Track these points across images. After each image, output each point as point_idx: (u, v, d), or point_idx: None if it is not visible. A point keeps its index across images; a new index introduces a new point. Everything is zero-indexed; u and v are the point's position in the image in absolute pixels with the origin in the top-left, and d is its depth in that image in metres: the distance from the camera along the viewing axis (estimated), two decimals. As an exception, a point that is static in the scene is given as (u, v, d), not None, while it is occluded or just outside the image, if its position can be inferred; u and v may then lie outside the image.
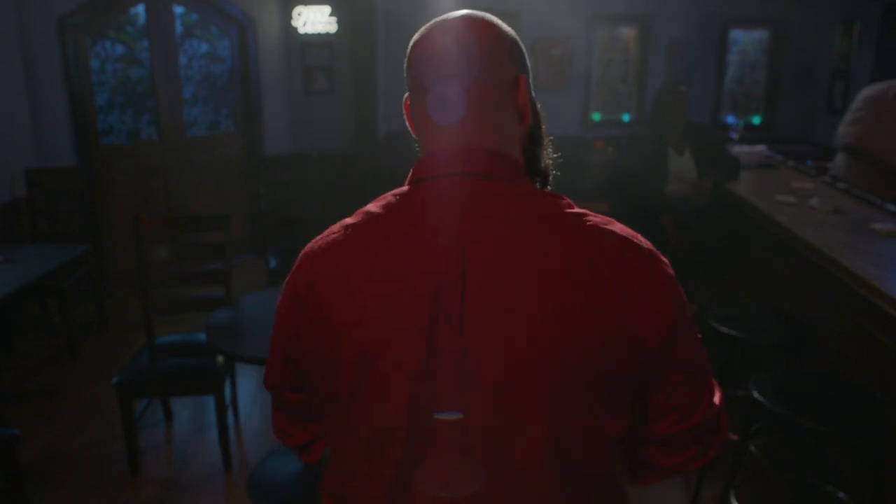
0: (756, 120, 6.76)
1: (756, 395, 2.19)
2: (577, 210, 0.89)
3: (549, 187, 1.02)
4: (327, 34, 6.10)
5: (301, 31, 6.04)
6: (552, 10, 6.36)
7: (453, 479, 0.85)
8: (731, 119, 6.64)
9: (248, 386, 3.75)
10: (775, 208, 3.35)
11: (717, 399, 0.94)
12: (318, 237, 0.95)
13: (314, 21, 6.00)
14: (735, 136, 5.39)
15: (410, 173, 0.94)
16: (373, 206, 0.92)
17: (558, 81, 6.67)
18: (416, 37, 0.95)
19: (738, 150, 4.61)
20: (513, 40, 0.95)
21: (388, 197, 0.92)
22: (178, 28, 5.38)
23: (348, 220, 0.93)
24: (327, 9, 6.04)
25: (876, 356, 2.37)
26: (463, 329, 0.82)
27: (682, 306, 0.88)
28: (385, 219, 0.90)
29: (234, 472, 3.04)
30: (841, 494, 2.48)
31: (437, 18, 0.94)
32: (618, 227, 0.88)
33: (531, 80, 0.97)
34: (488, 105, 0.91)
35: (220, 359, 3.01)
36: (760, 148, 4.78)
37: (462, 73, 0.90)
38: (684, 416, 0.90)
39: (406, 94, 0.98)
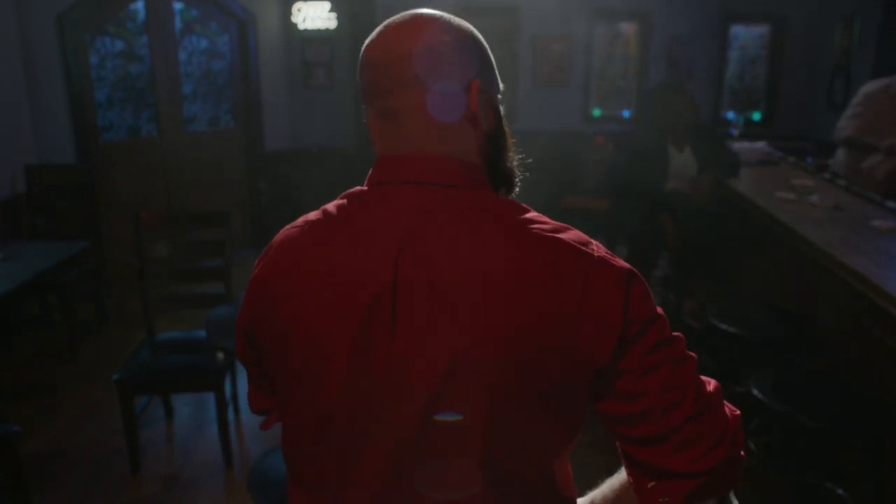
0: (756, 116, 6.76)
1: (756, 392, 2.19)
2: (528, 216, 0.86)
3: (515, 189, 1.01)
4: (327, 30, 6.09)
5: (301, 27, 6.03)
6: (552, 6, 6.35)
7: (389, 485, 0.85)
8: (731, 115, 6.64)
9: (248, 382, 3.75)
10: (775, 205, 3.34)
11: (710, 388, 0.88)
12: (285, 227, 0.96)
13: (314, 17, 5.99)
14: (735, 132, 5.38)
15: (370, 173, 0.94)
16: (332, 206, 0.93)
17: (559, 77, 6.66)
18: (366, 41, 0.93)
19: (739, 146, 4.60)
20: (466, 42, 0.91)
21: (347, 197, 0.93)
22: (178, 24, 5.37)
23: (311, 216, 0.94)
24: (327, 5, 6.03)
25: (876, 354, 2.37)
26: (395, 337, 0.82)
27: (638, 319, 0.82)
28: (337, 220, 0.90)
29: (235, 468, 3.05)
30: (840, 491, 2.49)
31: (388, 21, 0.92)
32: (569, 235, 0.85)
33: (496, 78, 0.96)
34: (431, 117, 0.89)
35: (221, 355, 3.01)
36: (761, 144, 4.77)
37: (407, 82, 0.88)
38: (666, 414, 0.85)
39: None
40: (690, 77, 6.52)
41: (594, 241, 0.87)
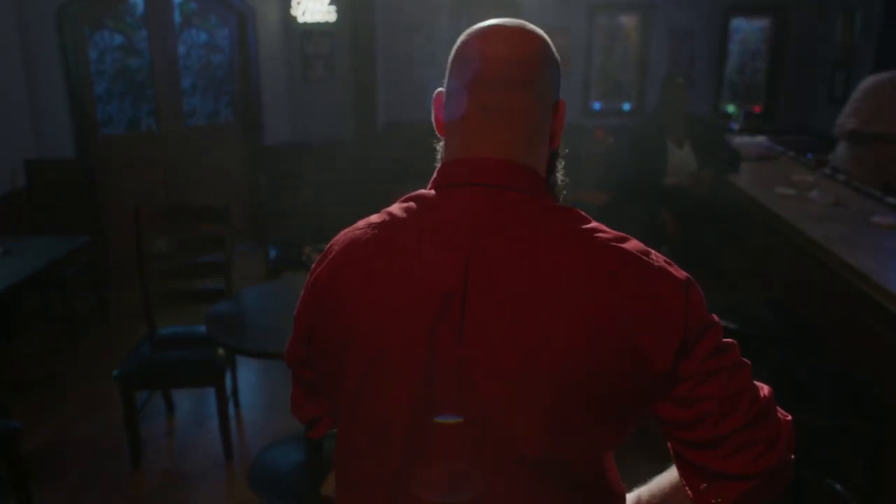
0: (757, 109, 6.74)
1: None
2: (591, 225, 0.88)
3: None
4: (326, 23, 6.07)
5: (300, 20, 6.00)
6: (553, -2, 6.33)
7: (449, 485, 0.86)
8: (731, 108, 6.63)
9: (248, 377, 3.77)
10: (775, 201, 3.35)
11: (764, 393, 0.90)
12: (345, 230, 0.97)
13: (313, 10, 5.96)
14: (735, 126, 5.37)
15: (436, 175, 0.94)
16: (396, 208, 0.93)
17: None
18: (466, 36, 0.94)
19: (739, 140, 4.60)
20: (558, 62, 0.96)
21: (412, 199, 0.93)
22: (177, 17, 5.35)
23: (374, 219, 0.95)
24: (326, -2, 6.01)
25: (875, 350, 2.37)
26: (462, 339, 0.83)
27: (697, 326, 0.84)
28: (404, 222, 0.91)
29: (235, 463, 3.06)
30: (838, 487, 2.50)
31: (495, 22, 0.93)
32: (630, 245, 0.87)
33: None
34: (534, 120, 0.92)
35: (221, 350, 3.02)
36: (761, 139, 4.76)
37: (518, 83, 0.90)
38: (722, 419, 0.85)
39: (439, 90, 0.99)
40: (690, 70, 6.51)
41: (653, 251, 0.89)
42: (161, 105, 5.31)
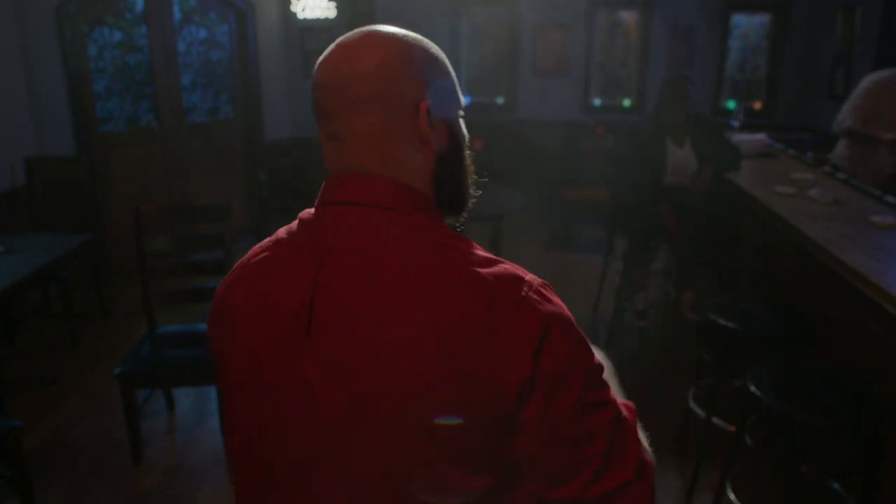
0: (757, 106, 6.74)
1: (752, 388, 2.20)
2: (461, 247, 0.85)
3: (463, 215, 0.98)
4: (326, 19, 6.06)
5: (300, 16, 6.00)
6: (553, -6, 6.32)
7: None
8: (731, 105, 6.62)
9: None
10: (775, 199, 3.35)
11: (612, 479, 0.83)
12: (252, 248, 0.98)
13: (313, 6, 5.96)
14: (736, 123, 5.37)
15: (319, 193, 0.94)
16: (283, 228, 0.96)
17: (559, 67, 6.64)
18: (318, 60, 0.91)
19: (739, 138, 4.59)
20: (417, 61, 0.88)
21: (298, 219, 0.94)
22: (177, 14, 5.35)
23: (266, 240, 0.97)
24: (326, -7, 6.00)
25: (874, 349, 2.38)
26: (305, 362, 0.84)
27: (552, 368, 0.79)
28: (281, 240, 0.93)
29: (236, 461, 3.07)
30: (836, 486, 2.51)
31: (341, 39, 0.90)
32: (497, 269, 0.82)
33: (455, 96, 0.94)
34: (385, 135, 0.87)
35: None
36: (761, 136, 4.76)
37: (352, 104, 0.86)
38: (554, 485, 0.83)
39: None
40: (691, 66, 6.50)
41: (528, 279, 0.83)
42: (161, 102, 5.31)
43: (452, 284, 0.80)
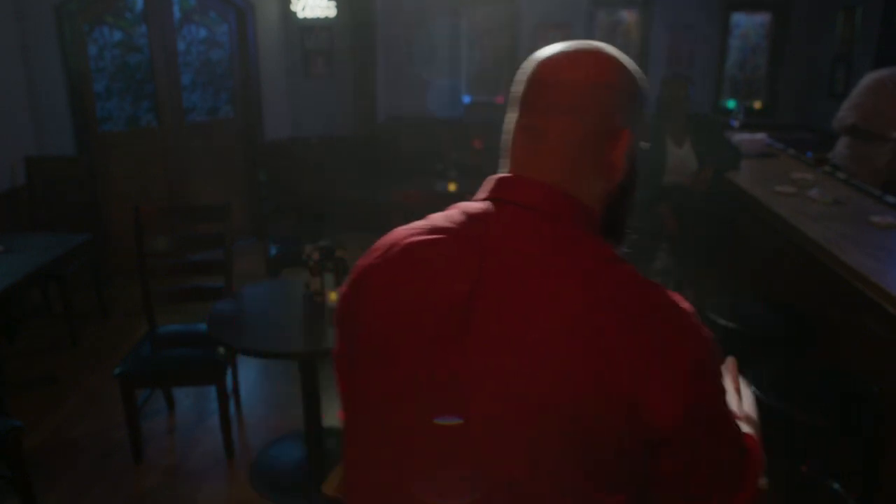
0: (757, 105, 6.73)
1: (752, 388, 2.20)
2: (623, 268, 0.85)
3: (622, 244, 0.99)
4: (326, 18, 6.06)
5: (300, 15, 6.00)
6: (553, -7, 6.32)
7: (442, 492, 0.86)
8: (731, 104, 6.61)
9: (249, 375, 3.78)
10: (774, 199, 3.35)
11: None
12: (398, 229, 0.97)
13: (313, 5, 5.95)
14: (736, 122, 5.37)
15: (484, 186, 0.95)
16: (439, 215, 0.94)
17: (559, 66, 6.63)
18: (539, 55, 0.93)
19: (739, 137, 4.59)
20: (632, 90, 0.92)
21: (455, 208, 0.93)
22: (177, 13, 5.34)
23: (417, 222, 0.95)
24: (326, -7, 6.00)
25: (874, 349, 2.38)
26: (454, 356, 0.83)
27: (704, 394, 0.81)
28: (438, 230, 0.91)
29: (236, 460, 3.08)
30: (836, 486, 2.51)
31: (569, 44, 0.93)
32: (658, 296, 0.83)
33: (645, 132, 0.96)
34: (578, 147, 0.89)
35: (221, 349, 3.03)
36: (761, 136, 4.76)
37: (565, 109, 0.89)
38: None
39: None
40: (691, 66, 6.50)
41: (686, 307, 0.84)
42: (161, 101, 5.31)
43: (614, 304, 0.80)
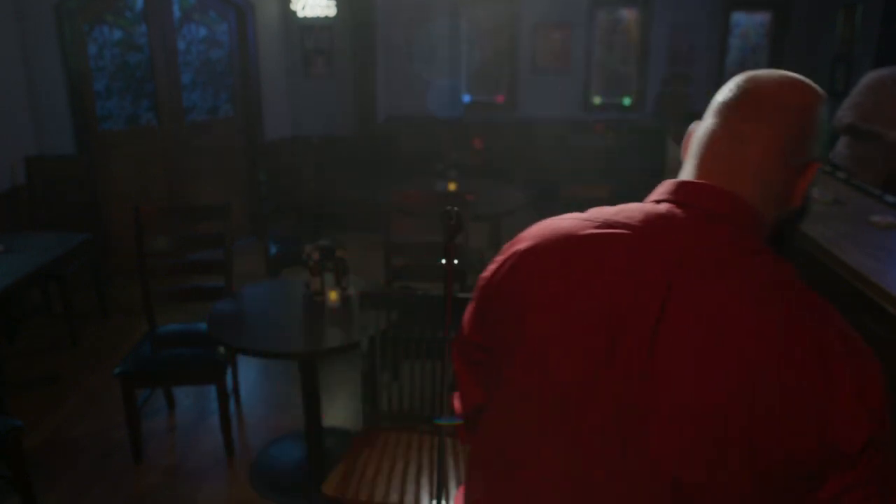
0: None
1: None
2: (803, 285, 0.87)
3: None
4: (326, 18, 6.06)
5: (300, 14, 6.00)
6: (553, -7, 6.32)
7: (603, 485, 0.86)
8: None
9: (249, 374, 3.78)
10: (775, 198, 3.35)
11: None
12: (557, 217, 0.97)
13: (313, 4, 5.95)
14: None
15: (658, 189, 0.95)
16: (609, 211, 0.94)
17: (559, 65, 6.64)
18: (749, 73, 0.96)
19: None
20: (821, 126, 0.95)
21: (628, 208, 0.94)
22: (177, 12, 5.34)
23: (584, 214, 0.95)
24: (326, -8, 6.00)
25: (874, 349, 2.38)
26: (652, 356, 0.83)
27: (883, 422, 0.82)
28: (613, 226, 0.91)
29: (237, 460, 3.07)
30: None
31: (778, 72, 0.95)
32: (840, 325, 0.85)
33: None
34: (769, 166, 0.91)
35: (221, 349, 3.03)
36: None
37: (773, 124, 0.90)
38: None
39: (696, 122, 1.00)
40: (691, 65, 6.50)
41: (857, 336, 0.86)
42: (161, 100, 5.31)
43: (807, 323, 0.82)
